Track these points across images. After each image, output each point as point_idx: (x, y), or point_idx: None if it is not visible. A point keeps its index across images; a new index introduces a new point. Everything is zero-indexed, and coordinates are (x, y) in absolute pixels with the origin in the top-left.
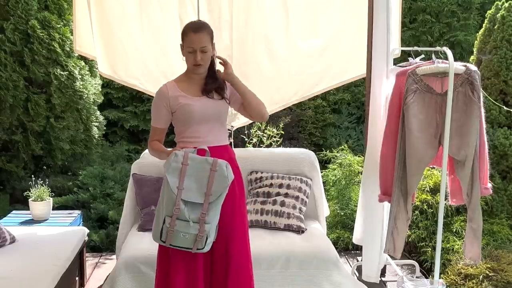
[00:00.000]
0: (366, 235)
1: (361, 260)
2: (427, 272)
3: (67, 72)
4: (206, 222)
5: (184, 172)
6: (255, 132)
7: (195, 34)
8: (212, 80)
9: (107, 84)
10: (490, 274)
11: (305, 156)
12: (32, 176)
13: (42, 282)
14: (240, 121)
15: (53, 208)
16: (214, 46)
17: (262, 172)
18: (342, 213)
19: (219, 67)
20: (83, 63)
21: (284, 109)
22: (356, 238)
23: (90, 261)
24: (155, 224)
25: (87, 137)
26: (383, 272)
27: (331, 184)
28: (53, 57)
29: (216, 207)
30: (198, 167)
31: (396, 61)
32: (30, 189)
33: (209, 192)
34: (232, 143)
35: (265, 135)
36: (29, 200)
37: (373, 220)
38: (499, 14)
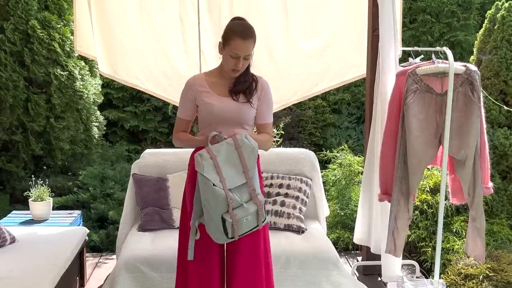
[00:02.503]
0: (379, 236)
1: (362, 260)
2: (427, 272)
3: (67, 72)
4: (257, 194)
5: (217, 164)
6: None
7: (243, 41)
8: (243, 81)
9: (107, 84)
10: (490, 274)
11: (305, 156)
12: (32, 176)
13: (42, 282)
14: None
15: (53, 208)
16: None
17: (262, 172)
18: (342, 213)
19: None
20: (83, 63)
21: (284, 109)
22: (357, 238)
23: (90, 261)
24: (212, 228)
25: (87, 137)
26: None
27: (331, 184)
28: (53, 57)
29: (255, 176)
30: (225, 154)
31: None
32: (30, 189)
33: (246, 169)
34: None
35: None
36: (29, 200)
37: (384, 221)
38: (499, 14)
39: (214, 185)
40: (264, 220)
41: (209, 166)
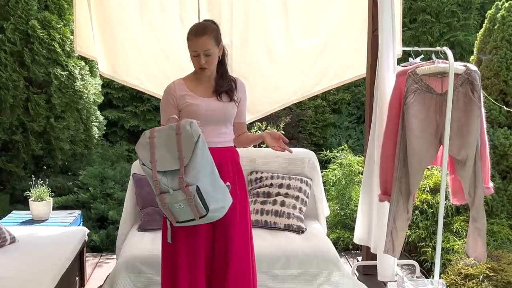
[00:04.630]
0: (377, 236)
1: (362, 260)
2: (427, 272)
3: (67, 72)
4: (188, 184)
5: (152, 145)
6: (255, 132)
7: (197, 38)
8: (223, 82)
9: (107, 84)
10: (490, 274)
11: (305, 156)
12: (32, 176)
13: (42, 282)
14: None
15: (53, 208)
16: (222, 45)
17: (262, 172)
18: (342, 213)
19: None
20: (83, 63)
21: (284, 109)
22: (357, 237)
23: (90, 261)
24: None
25: (87, 137)
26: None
27: (331, 184)
28: (53, 57)
29: (194, 166)
30: (165, 137)
31: (398, 61)
32: (30, 189)
33: (181, 156)
34: None
35: None
36: (29, 200)
37: (382, 220)
38: (499, 14)
39: (143, 164)
40: (205, 216)
41: (145, 144)
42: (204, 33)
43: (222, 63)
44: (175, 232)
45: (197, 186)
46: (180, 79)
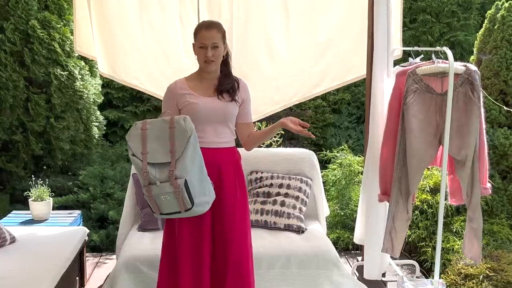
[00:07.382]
0: (368, 234)
1: (362, 260)
2: (427, 272)
3: (67, 72)
4: (177, 178)
5: (144, 136)
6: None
7: (207, 30)
8: (226, 80)
9: (107, 84)
10: (490, 274)
11: (305, 156)
12: (32, 176)
13: (42, 282)
14: None
15: (53, 208)
16: (227, 46)
17: (262, 172)
18: (342, 213)
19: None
20: (83, 63)
21: (284, 109)
22: (357, 237)
23: (90, 261)
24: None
25: (87, 137)
26: (383, 272)
27: (331, 184)
28: (53, 57)
29: (184, 160)
30: (157, 129)
31: (398, 62)
32: (30, 189)
33: (173, 149)
34: None
35: None
36: (29, 200)
37: (375, 220)
38: (499, 14)
39: (133, 154)
40: (190, 209)
41: (137, 135)
42: (213, 27)
43: (225, 64)
44: (180, 224)
45: (185, 179)
46: (183, 78)
